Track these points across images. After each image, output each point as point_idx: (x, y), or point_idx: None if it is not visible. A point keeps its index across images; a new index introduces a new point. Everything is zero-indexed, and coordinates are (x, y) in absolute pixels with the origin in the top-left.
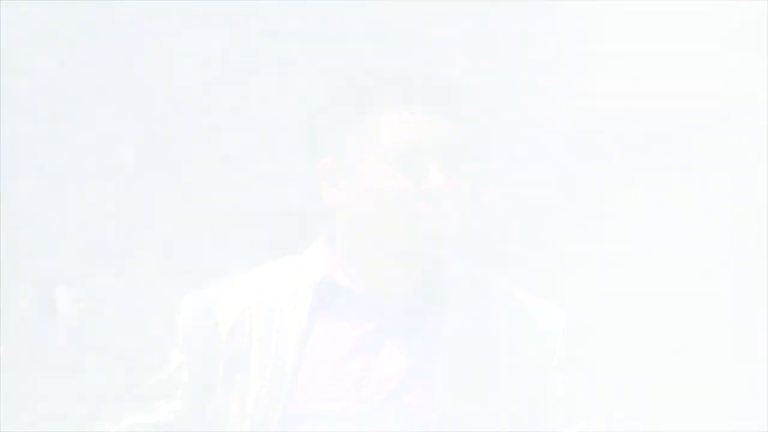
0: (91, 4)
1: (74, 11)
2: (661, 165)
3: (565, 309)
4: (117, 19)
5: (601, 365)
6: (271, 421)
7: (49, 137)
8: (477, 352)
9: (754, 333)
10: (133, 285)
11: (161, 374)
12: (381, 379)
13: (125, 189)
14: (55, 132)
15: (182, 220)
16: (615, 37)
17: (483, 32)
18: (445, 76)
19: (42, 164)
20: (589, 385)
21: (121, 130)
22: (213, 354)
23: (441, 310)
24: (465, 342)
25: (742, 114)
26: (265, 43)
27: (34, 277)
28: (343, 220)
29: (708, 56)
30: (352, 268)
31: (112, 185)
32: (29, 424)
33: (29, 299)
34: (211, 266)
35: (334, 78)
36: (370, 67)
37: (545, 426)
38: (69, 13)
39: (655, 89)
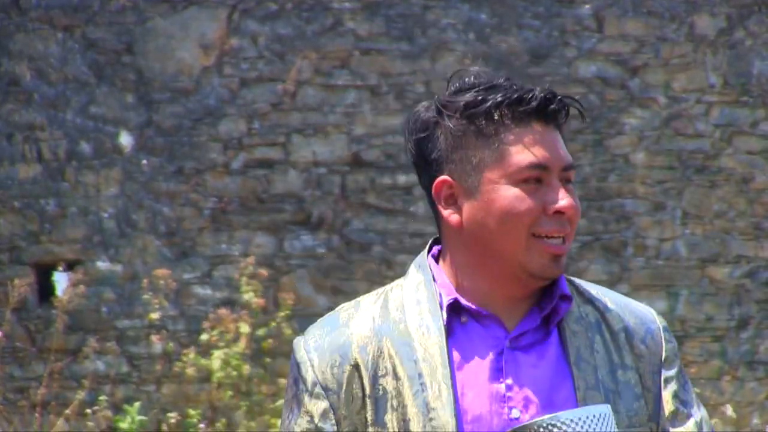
0: None
1: None
2: None
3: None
4: (118, 2)
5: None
6: None
7: (48, 121)
8: (598, 358)
9: None
10: (131, 269)
11: (304, 426)
12: (525, 402)
13: (124, 173)
14: (55, 116)
15: (182, 203)
16: None
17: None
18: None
19: (41, 148)
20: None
21: (121, 114)
22: (358, 397)
23: (559, 325)
24: (586, 351)
25: None
26: (265, 28)
27: (34, 261)
28: (465, 239)
29: None
30: (471, 288)
31: (111, 169)
32: (28, 407)
33: (29, 284)
34: (210, 251)
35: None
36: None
37: (665, 421)
38: None
39: None
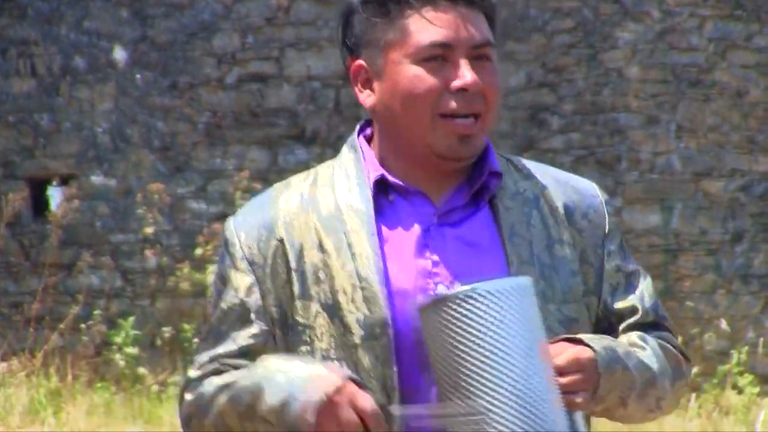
0: None
1: None
2: None
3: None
4: None
5: None
6: (378, 311)
7: (42, 36)
8: (534, 234)
9: None
10: (125, 184)
11: (230, 301)
12: (452, 278)
13: (118, 88)
14: (48, 31)
15: (176, 118)
16: None
17: None
18: None
19: (35, 63)
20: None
21: (115, 29)
22: (283, 271)
23: (491, 201)
24: (521, 226)
25: None
26: None
27: (28, 175)
28: (380, 121)
29: None
30: (395, 166)
31: (105, 84)
32: (22, 322)
33: (23, 198)
34: (204, 165)
35: None
36: None
37: (607, 294)
38: None
39: None
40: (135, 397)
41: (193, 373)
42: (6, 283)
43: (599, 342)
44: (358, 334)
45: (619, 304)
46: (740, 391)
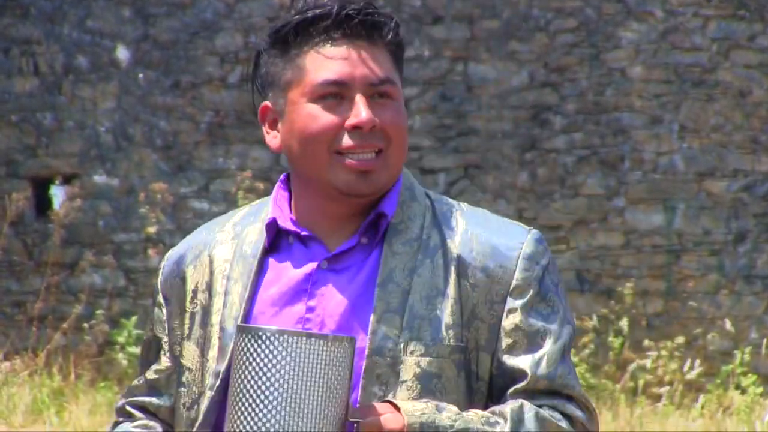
0: None
1: None
2: None
3: (532, 230)
4: None
5: None
6: (222, 362)
7: (45, 35)
8: (417, 282)
9: None
10: (128, 183)
11: (148, 333)
12: (321, 324)
13: (121, 87)
14: (51, 30)
15: (178, 117)
16: None
17: None
18: (377, 5)
19: (38, 62)
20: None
21: (118, 28)
22: (178, 309)
23: (385, 245)
24: (401, 273)
25: None
26: None
27: (31, 175)
28: (288, 161)
29: None
30: (300, 209)
31: (107, 83)
32: (25, 321)
33: (26, 197)
34: (206, 164)
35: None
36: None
37: (502, 352)
38: None
39: None
40: None
41: (118, 400)
42: (9, 282)
43: (422, 416)
44: (207, 382)
45: (512, 362)
46: (743, 391)
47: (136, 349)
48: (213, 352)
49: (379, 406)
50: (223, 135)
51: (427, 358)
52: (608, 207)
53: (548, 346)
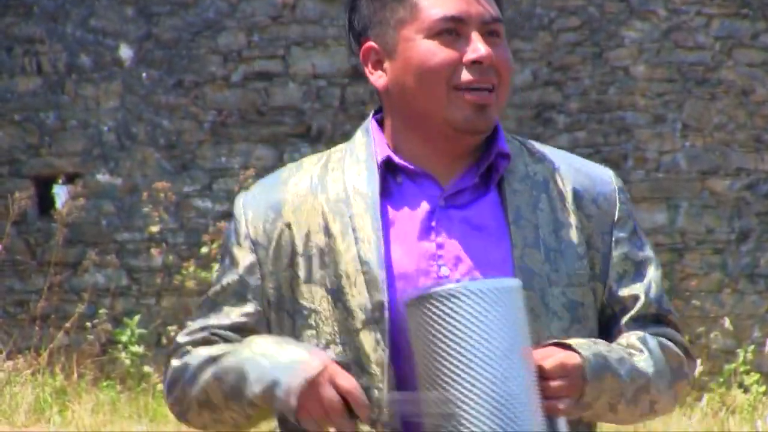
0: None
1: None
2: None
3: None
4: None
5: None
6: (377, 295)
7: (48, 34)
8: (541, 217)
9: None
10: (131, 182)
11: (230, 277)
12: (455, 260)
13: (124, 86)
14: (54, 29)
15: (181, 116)
16: None
17: None
18: None
19: (41, 61)
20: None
21: (121, 27)
22: (287, 253)
23: (500, 184)
24: (528, 209)
25: None
26: None
27: (34, 174)
28: (393, 101)
29: None
30: (406, 148)
31: (110, 82)
32: (28, 320)
33: (29, 196)
34: (210, 163)
35: None
36: None
37: (613, 281)
38: None
39: None
40: (140, 396)
41: (182, 338)
42: (12, 281)
43: (589, 348)
44: (359, 318)
45: (624, 292)
46: (746, 390)
47: (138, 349)
48: (356, 288)
49: (552, 348)
50: (227, 134)
51: (571, 288)
52: None
53: (652, 272)
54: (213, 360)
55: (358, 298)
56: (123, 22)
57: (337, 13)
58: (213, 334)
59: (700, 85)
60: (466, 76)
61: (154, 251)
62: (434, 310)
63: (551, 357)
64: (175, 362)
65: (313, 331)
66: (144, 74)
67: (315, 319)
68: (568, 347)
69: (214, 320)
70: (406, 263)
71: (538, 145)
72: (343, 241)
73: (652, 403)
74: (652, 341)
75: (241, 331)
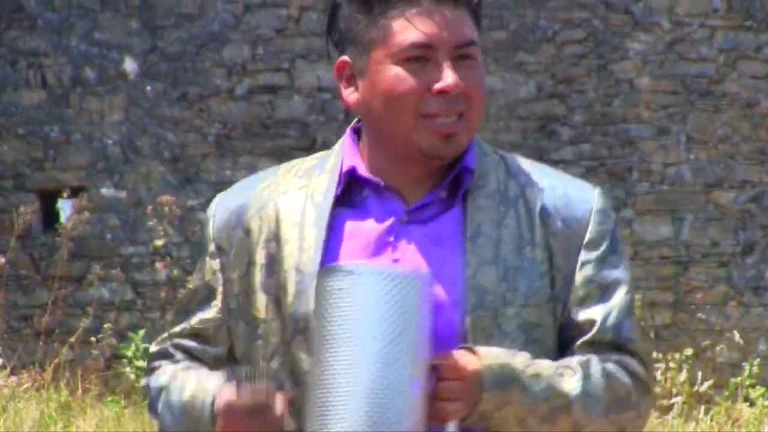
0: None
1: None
2: None
3: (596, 186)
4: None
5: None
6: (305, 305)
7: (52, 48)
8: (505, 233)
9: None
10: (136, 195)
11: (198, 281)
12: None
13: (128, 99)
14: (58, 42)
15: (186, 129)
16: None
17: None
18: None
19: (45, 74)
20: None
21: (125, 40)
22: (244, 260)
23: (466, 199)
24: (490, 225)
25: None
26: None
27: (38, 188)
28: (363, 118)
29: None
30: (375, 163)
31: (115, 95)
32: (32, 335)
33: (33, 211)
34: (214, 177)
35: None
36: None
37: (573, 304)
38: None
39: None
40: (145, 411)
41: (152, 347)
42: (16, 295)
43: (497, 358)
44: (290, 329)
45: (582, 316)
46: (752, 404)
47: (143, 363)
48: (289, 298)
49: (456, 351)
50: (231, 147)
51: (527, 309)
52: (616, 218)
53: (619, 297)
54: (165, 389)
55: (290, 308)
56: (127, 35)
57: None
58: (174, 344)
59: (704, 97)
60: (432, 105)
61: (158, 265)
62: (332, 283)
63: (449, 358)
64: (144, 381)
65: (261, 341)
66: (148, 87)
67: (263, 329)
68: (474, 352)
69: (177, 327)
70: None
71: (522, 161)
72: (287, 250)
73: (578, 426)
74: (596, 366)
75: (199, 337)
